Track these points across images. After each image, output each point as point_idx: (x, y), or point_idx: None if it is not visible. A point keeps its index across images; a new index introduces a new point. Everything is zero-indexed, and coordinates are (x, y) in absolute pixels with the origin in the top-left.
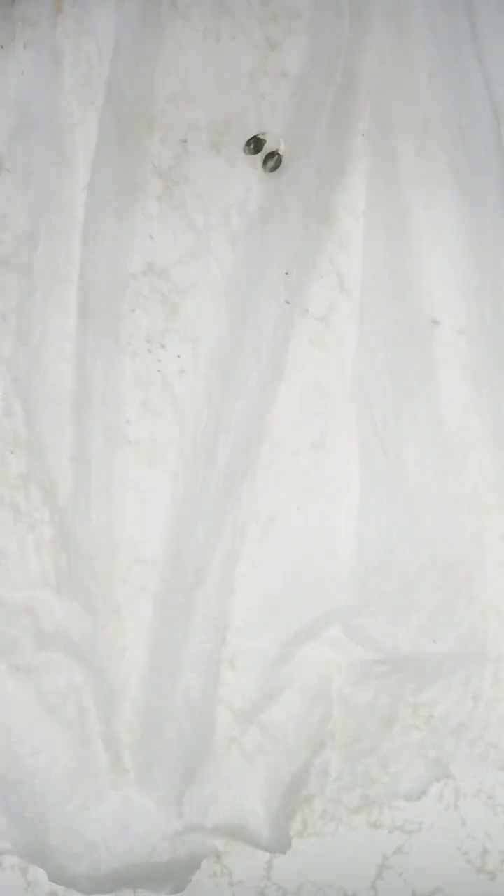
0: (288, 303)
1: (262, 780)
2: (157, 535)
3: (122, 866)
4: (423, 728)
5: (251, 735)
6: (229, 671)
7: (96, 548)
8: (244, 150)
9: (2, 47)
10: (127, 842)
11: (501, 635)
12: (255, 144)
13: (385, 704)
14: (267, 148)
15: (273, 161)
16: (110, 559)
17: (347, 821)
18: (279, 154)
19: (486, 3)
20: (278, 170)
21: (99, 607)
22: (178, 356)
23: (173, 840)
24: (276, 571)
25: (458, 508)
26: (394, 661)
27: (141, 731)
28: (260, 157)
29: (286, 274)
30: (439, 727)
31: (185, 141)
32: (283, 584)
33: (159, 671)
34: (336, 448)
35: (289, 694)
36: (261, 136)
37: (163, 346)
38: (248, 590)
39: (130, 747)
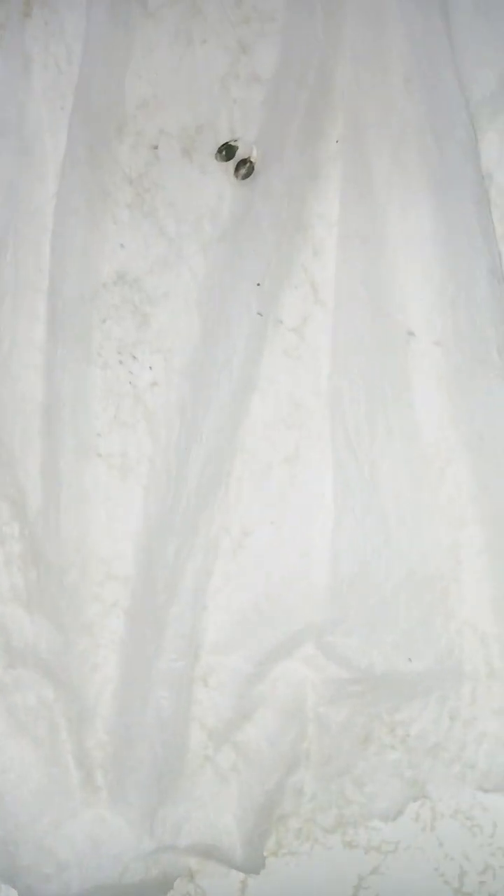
0: (260, 314)
1: (236, 798)
2: (129, 551)
3: (93, 887)
4: (399, 747)
5: (225, 754)
6: (202, 689)
7: (67, 563)
8: (216, 157)
9: None
10: (99, 861)
11: (479, 652)
12: (227, 151)
13: (360, 723)
14: (239, 155)
15: (245, 168)
16: (81, 575)
17: (323, 841)
18: (251, 161)
19: (461, 6)
20: (250, 177)
21: (70, 624)
22: (150, 368)
23: (146, 860)
24: (249, 587)
25: (434, 522)
26: (369, 679)
27: (113, 749)
28: (232, 163)
29: (258, 285)
30: (416, 746)
31: (156, 147)
32: (256, 600)
33: (131, 689)
34: (310, 461)
35: (263, 712)
36: (232, 143)
37: (134, 357)
38: (221, 606)
39: (102, 765)
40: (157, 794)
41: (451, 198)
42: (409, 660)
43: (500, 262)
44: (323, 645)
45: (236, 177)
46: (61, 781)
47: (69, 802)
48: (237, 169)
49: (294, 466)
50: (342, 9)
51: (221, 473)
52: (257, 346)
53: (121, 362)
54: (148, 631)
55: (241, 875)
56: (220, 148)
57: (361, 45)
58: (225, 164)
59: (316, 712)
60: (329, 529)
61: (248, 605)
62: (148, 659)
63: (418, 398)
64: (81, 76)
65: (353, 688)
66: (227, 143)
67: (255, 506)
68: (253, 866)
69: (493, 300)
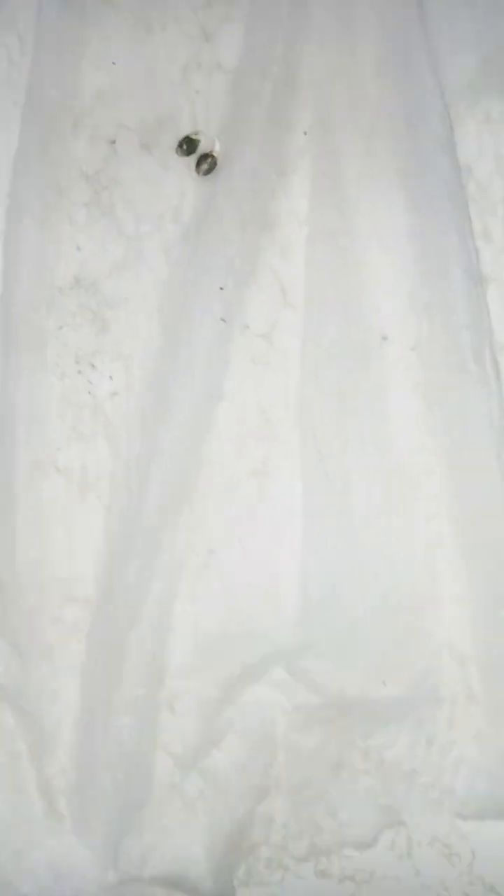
0: (224, 320)
1: (205, 827)
2: (90, 572)
3: None
4: (374, 773)
5: (192, 781)
6: (168, 714)
7: (24, 585)
8: (177, 152)
9: None
10: (62, 894)
11: (457, 675)
12: (189, 145)
13: (333, 749)
14: (201, 149)
15: (207, 163)
16: (39, 597)
17: (295, 870)
18: (213, 156)
19: None
20: (213, 172)
21: (28, 648)
22: (110, 377)
23: (110, 892)
24: (216, 609)
25: (410, 538)
26: (341, 704)
27: (76, 777)
28: (194, 158)
29: (221, 289)
30: (391, 772)
31: (113, 142)
32: (223, 623)
33: (92, 716)
34: (280, 476)
35: (231, 739)
36: (194, 136)
37: (93, 366)
38: (186, 629)
39: (65, 792)
40: (120, 824)
41: (425, 193)
42: (384, 684)
43: (478, 262)
44: (293, 669)
45: (198, 172)
46: (23, 810)
47: (31, 832)
48: (199, 164)
49: (262, 481)
50: None
51: (186, 489)
52: (222, 353)
53: (79, 371)
54: (108, 657)
55: None
56: (180, 142)
57: (330, 30)
58: (186, 158)
59: (286, 738)
60: (299, 547)
61: (214, 627)
62: (109, 685)
63: (392, 407)
64: (34, 67)
65: (325, 713)
66: (188, 136)
67: (221, 523)
68: None
69: (468, 304)
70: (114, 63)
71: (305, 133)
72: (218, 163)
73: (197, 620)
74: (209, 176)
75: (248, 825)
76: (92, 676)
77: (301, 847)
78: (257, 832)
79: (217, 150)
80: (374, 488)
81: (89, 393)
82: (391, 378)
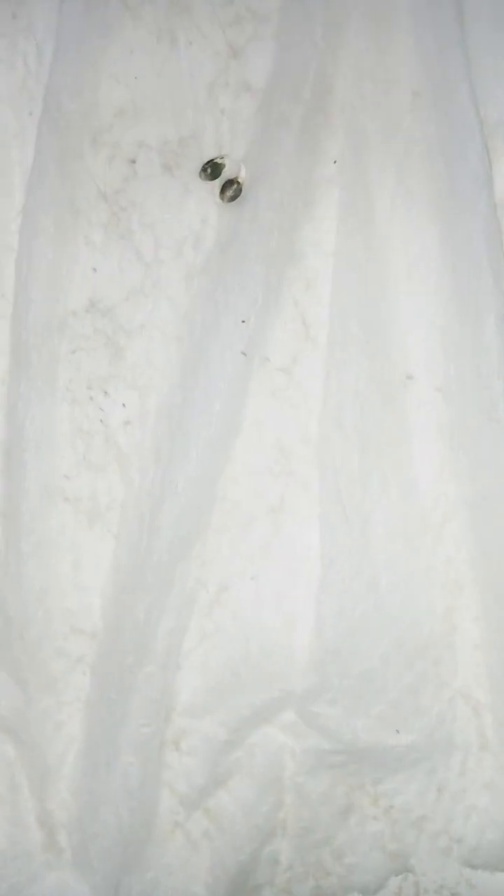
0: (244, 354)
1: (208, 867)
2: (97, 603)
3: None
4: (383, 819)
5: (196, 820)
6: (174, 753)
7: (29, 616)
8: (200, 175)
9: None
10: None
11: (471, 723)
12: (213, 170)
13: (341, 794)
14: (225, 174)
15: (232, 190)
16: (44, 628)
17: None
18: (239, 182)
19: (479, 15)
20: (238, 199)
21: (31, 680)
22: (123, 405)
23: None
24: (226, 648)
25: (429, 585)
26: (352, 751)
27: (77, 812)
28: (218, 183)
29: (243, 322)
30: (400, 818)
31: (133, 161)
32: (233, 662)
33: (96, 752)
34: (297, 513)
35: (238, 780)
36: (219, 161)
37: (106, 393)
38: (195, 666)
39: (66, 826)
40: (122, 860)
41: (459, 230)
42: (397, 731)
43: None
44: (304, 714)
45: (222, 199)
46: (22, 843)
47: (30, 865)
48: (223, 190)
49: (279, 518)
50: (345, 11)
51: (199, 523)
52: (241, 387)
53: (91, 398)
54: (114, 693)
55: None
56: (204, 165)
57: (366, 54)
58: (210, 183)
59: (294, 781)
60: (315, 588)
61: (224, 666)
62: (114, 723)
63: (416, 449)
64: (52, 78)
65: (336, 758)
66: (212, 160)
67: (235, 559)
68: None
69: (501, 348)
70: (136, 78)
71: (335, 162)
72: (243, 189)
73: (206, 659)
74: (233, 203)
75: (252, 866)
76: (97, 712)
77: (306, 890)
78: (262, 873)
79: (243, 175)
80: (395, 531)
81: (101, 421)
82: (415, 419)
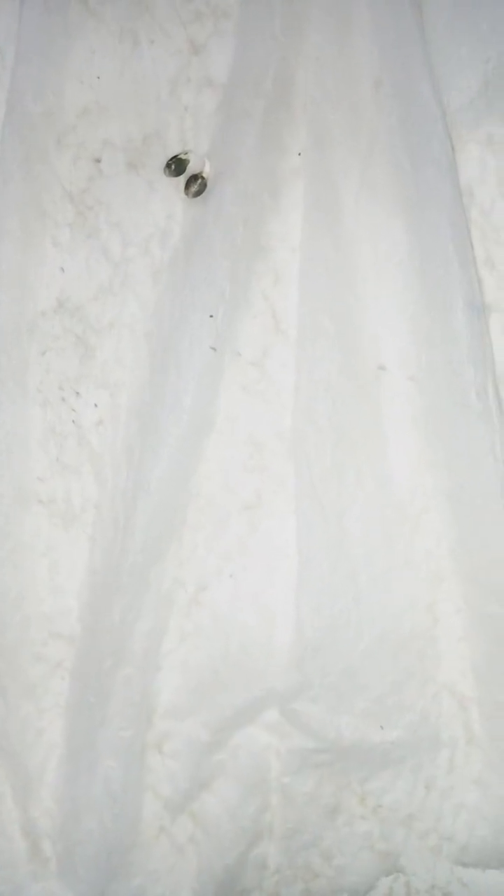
0: (214, 349)
1: (194, 871)
2: (74, 607)
3: None
4: (371, 818)
5: (181, 824)
6: (156, 756)
7: (5, 622)
8: (165, 172)
9: None
10: None
11: (457, 717)
12: (177, 165)
13: (328, 793)
14: (190, 169)
15: (196, 185)
16: (21, 634)
17: None
18: (203, 177)
19: (437, 1)
20: (203, 194)
21: (10, 687)
22: (95, 405)
23: None
24: (206, 647)
25: (409, 578)
26: (337, 749)
27: (61, 820)
28: (183, 178)
29: (211, 317)
30: (388, 817)
31: (98, 160)
32: (213, 662)
33: (77, 758)
34: (273, 510)
35: (222, 782)
36: (183, 156)
37: (77, 393)
38: (175, 667)
39: (51, 835)
40: (107, 867)
41: (425, 218)
42: (382, 728)
43: (480, 292)
44: (287, 712)
45: (187, 194)
46: (6, 852)
47: (15, 875)
48: (188, 185)
49: (255, 515)
50: (304, 4)
51: (175, 522)
52: (212, 382)
53: (63, 399)
54: (93, 697)
55: None
56: (168, 162)
57: (326, 46)
58: (175, 179)
59: (280, 782)
60: (293, 585)
61: (204, 666)
62: (93, 727)
63: (391, 441)
64: (15, 81)
65: (321, 757)
66: (176, 156)
67: (211, 558)
68: None
69: (470, 336)
70: (99, 78)
71: (300, 154)
72: (208, 184)
73: (186, 659)
74: (199, 198)
75: (239, 870)
76: (77, 717)
77: (295, 893)
78: (249, 877)
79: (207, 170)
80: (372, 524)
81: (73, 422)
82: (389, 410)
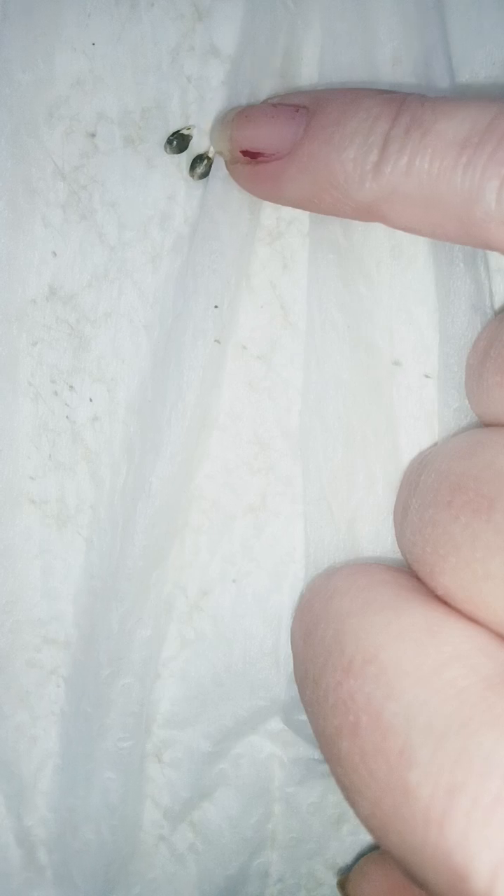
0: (218, 341)
1: (195, 881)
2: (69, 612)
3: None
4: None
5: (182, 833)
6: (156, 765)
7: None
8: (165, 149)
9: None
10: None
11: None
12: (179, 142)
13: (333, 803)
14: (195, 148)
15: (202, 166)
16: (14, 639)
17: None
18: (210, 158)
19: None
20: (208, 175)
21: (2, 693)
22: (90, 400)
23: None
24: (207, 655)
25: None
26: None
27: (57, 829)
28: (185, 156)
29: (215, 307)
30: None
31: (93, 135)
32: (215, 671)
33: (74, 768)
34: (279, 512)
35: (224, 792)
36: (185, 132)
37: (71, 387)
38: (175, 675)
39: (46, 843)
40: (105, 878)
41: None
42: None
43: (488, 292)
44: (291, 722)
45: (192, 176)
46: (1, 861)
47: (10, 885)
48: (193, 167)
49: (260, 517)
50: None
51: (176, 524)
52: (215, 377)
53: (55, 393)
54: (90, 706)
55: None
56: (169, 138)
57: (340, 17)
58: (176, 156)
59: (283, 792)
60: (300, 591)
61: (206, 675)
62: (90, 738)
63: (404, 441)
64: (1, 49)
65: (325, 767)
66: (178, 131)
67: (214, 562)
68: None
69: (472, 339)
70: (93, 44)
71: None
72: (213, 164)
73: (187, 668)
74: (203, 179)
75: (241, 879)
76: (73, 725)
77: None
78: (251, 887)
79: (213, 150)
80: (384, 529)
81: (67, 417)
82: (403, 408)
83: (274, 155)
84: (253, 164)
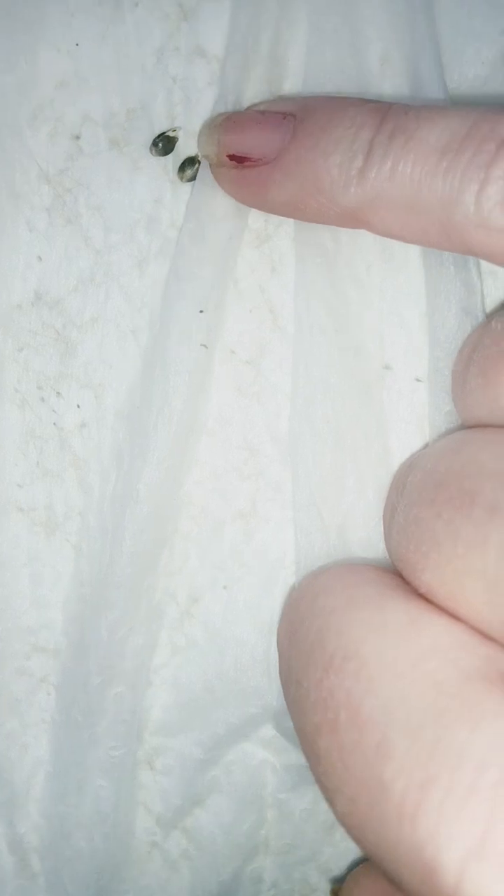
0: (205, 346)
1: (188, 887)
2: (58, 619)
3: None
4: None
5: (174, 839)
6: (148, 772)
7: None
8: (151, 151)
9: None
10: None
11: None
12: (165, 144)
13: (325, 809)
14: (182, 151)
15: (192, 170)
16: (3, 647)
17: None
18: (199, 162)
19: None
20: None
21: None
22: (78, 406)
23: None
24: (199, 662)
25: None
26: None
27: (49, 836)
28: (170, 158)
29: (201, 312)
30: None
31: (78, 137)
32: (207, 678)
33: (65, 776)
34: (269, 518)
35: (216, 798)
36: (171, 134)
37: (58, 393)
38: (166, 683)
39: (39, 850)
40: (98, 885)
41: None
42: None
43: (479, 295)
44: (284, 729)
45: (181, 178)
46: None
47: (3, 890)
48: (182, 170)
49: (250, 523)
50: None
51: (165, 531)
52: (203, 382)
53: (42, 399)
54: (81, 715)
55: None
56: (155, 139)
57: (327, 13)
58: (162, 158)
59: (276, 798)
60: None
61: (197, 683)
62: (83, 745)
63: (395, 446)
64: None
65: None
66: (164, 133)
67: (204, 569)
68: None
69: (461, 339)
70: (77, 44)
71: None
72: (201, 166)
73: (178, 675)
74: (190, 182)
75: (234, 885)
76: (64, 734)
77: None
78: (245, 892)
79: (201, 153)
80: (374, 535)
81: (55, 424)
82: (394, 413)
83: (261, 160)
84: (239, 168)
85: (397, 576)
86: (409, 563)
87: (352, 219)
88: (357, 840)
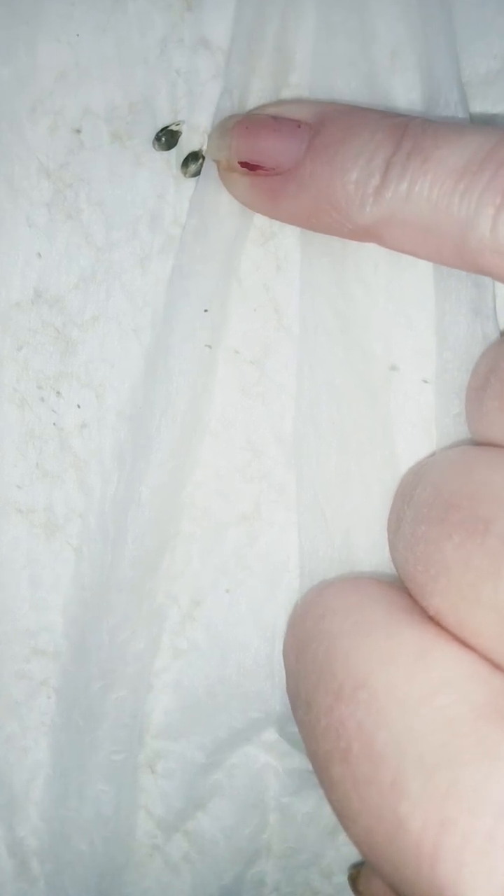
0: (209, 346)
1: (189, 891)
2: (58, 622)
3: None
4: None
5: (176, 843)
6: (149, 776)
7: None
8: (154, 145)
9: None
10: None
11: None
12: (168, 138)
13: (328, 813)
14: (186, 145)
15: (196, 165)
16: (2, 650)
17: None
18: (202, 156)
19: None
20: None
21: None
22: (78, 406)
23: None
24: (201, 666)
25: None
26: None
27: (49, 839)
28: (174, 153)
29: (205, 311)
30: None
31: (78, 131)
32: (209, 682)
33: (65, 779)
34: (272, 521)
35: (218, 802)
36: (174, 128)
37: (58, 393)
38: (168, 687)
39: (39, 854)
40: (98, 888)
41: None
42: None
43: (491, 296)
44: (287, 733)
45: (184, 174)
46: None
47: (2, 894)
48: (186, 165)
49: (253, 526)
50: None
51: (167, 534)
52: (206, 383)
53: (42, 399)
54: (82, 719)
55: None
56: (158, 134)
57: (336, 6)
58: (165, 153)
59: (279, 802)
60: (294, 601)
61: (199, 686)
62: (84, 749)
63: (402, 448)
64: None
65: None
66: (167, 127)
67: (207, 571)
68: None
69: (473, 344)
70: (78, 35)
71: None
72: (205, 161)
73: (180, 678)
74: (194, 177)
75: (236, 889)
76: (64, 738)
77: None
78: (247, 895)
79: (206, 147)
80: (379, 539)
81: (54, 424)
82: (400, 414)
83: (274, 169)
84: (251, 175)
85: (404, 593)
86: (418, 583)
87: (364, 234)
88: (373, 865)
